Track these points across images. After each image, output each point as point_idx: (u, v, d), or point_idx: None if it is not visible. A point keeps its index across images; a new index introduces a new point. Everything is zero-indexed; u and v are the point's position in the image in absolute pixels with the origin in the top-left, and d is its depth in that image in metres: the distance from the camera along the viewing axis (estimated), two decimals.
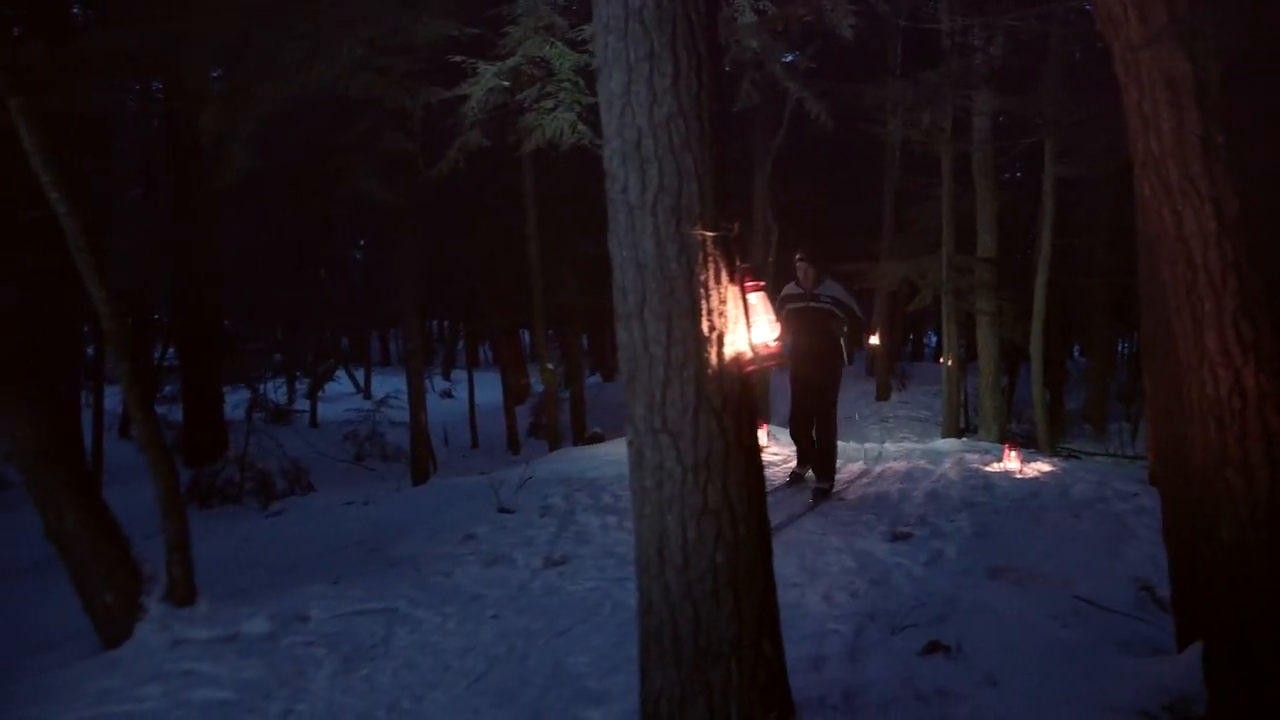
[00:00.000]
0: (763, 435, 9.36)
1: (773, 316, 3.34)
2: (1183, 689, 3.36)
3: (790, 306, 7.44)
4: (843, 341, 7.50)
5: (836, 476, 7.73)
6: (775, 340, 3.28)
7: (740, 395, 3.00)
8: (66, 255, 5.07)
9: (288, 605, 5.28)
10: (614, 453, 9.75)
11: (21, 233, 5.98)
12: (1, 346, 5.06)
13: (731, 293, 2.99)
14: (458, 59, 9.07)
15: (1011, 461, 8.46)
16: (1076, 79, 12.45)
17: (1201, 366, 2.86)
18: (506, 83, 9.09)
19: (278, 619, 5.05)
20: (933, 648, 4.09)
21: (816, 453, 7.60)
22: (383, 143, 12.12)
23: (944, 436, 13.26)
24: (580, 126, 9.35)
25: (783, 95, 12.44)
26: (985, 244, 13.21)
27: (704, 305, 2.90)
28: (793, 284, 7.61)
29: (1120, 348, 23.48)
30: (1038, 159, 12.77)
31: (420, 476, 13.99)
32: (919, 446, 10.83)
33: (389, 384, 23.22)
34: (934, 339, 32.15)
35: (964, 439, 12.12)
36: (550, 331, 18.55)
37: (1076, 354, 27.01)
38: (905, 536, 6.10)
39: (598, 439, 13.63)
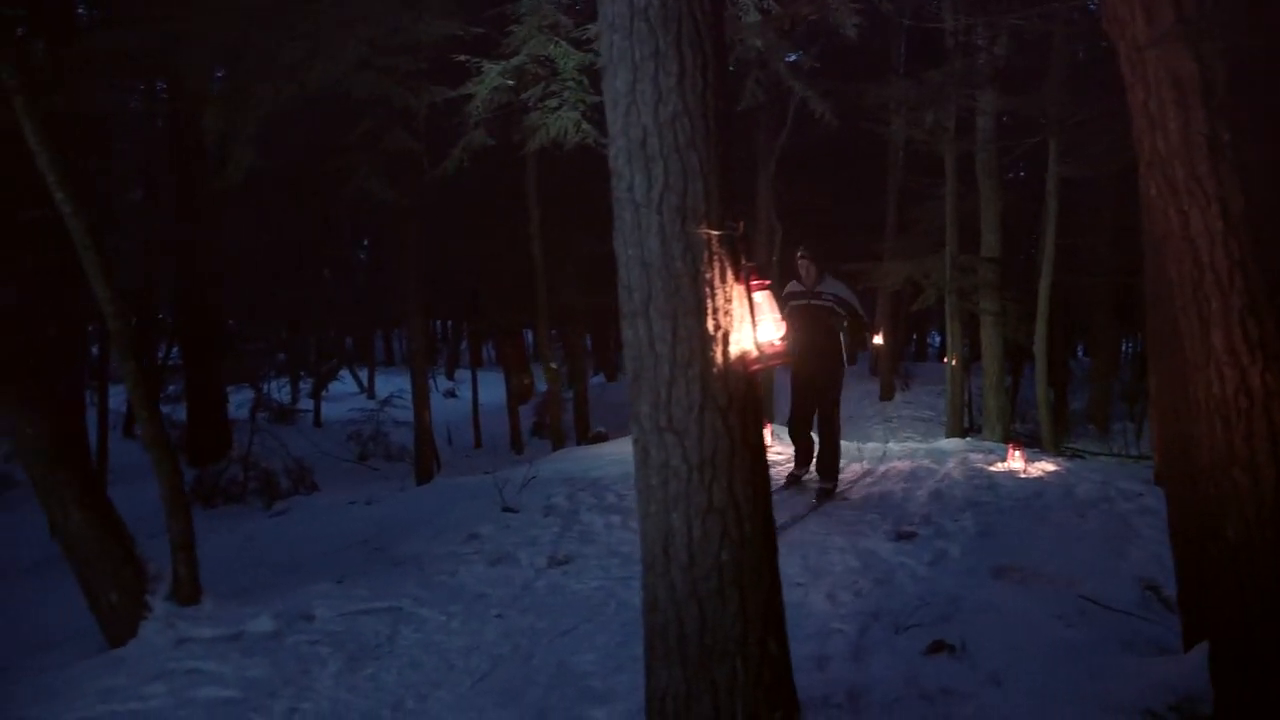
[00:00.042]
0: (767, 434, 9.35)
1: (778, 315, 3.34)
2: (1189, 688, 3.35)
3: (792, 304, 7.43)
4: (843, 339, 7.49)
5: (840, 476, 7.72)
6: (780, 339, 3.28)
7: (746, 393, 3.00)
8: (68, 255, 5.09)
9: (292, 604, 5.28)
10: (618, 452, 9.75)
11: (23, 232, 5.99)
12: (5, 346, 5.07)
13: (737, 291, 2.99)
14: (462, 58, 9.06)
15: (1016, 461, 8.45)
16: (1080, 79, 12.44)
17: (1208, 365, 2.85)
18: (511, 82, 9.07)
19: (282, 618, 5.06)
20: (937, 647, 4.09)
21: (820, 452, 7.58)
22: (387, 142, 12.11)
23: (948, 436, 13.24)
24: (585, 125, 9.33)
25: (786, 95, 12.43)
26: (989, 243, 13.20)
27: (709, 304, 2.91)
28: (794, 282, 7.61)
29: (1124, 347, 23.47)
30: (1041, 159, 12.75)
31: (424, 476, 13.99)
32: (923, 446, 10.82)
33: (392, 384, 23.22)
34: (937, 339, 32.15)
35: (968, 439, 12.10)
36: (553, 331, 18.56)
37: (1080, 354, 27.01)
38: (909, 536, 6.10)
39: (601, 438, 13.63)
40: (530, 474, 8.41)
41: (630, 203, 2.93)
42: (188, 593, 5.17)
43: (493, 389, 22.39)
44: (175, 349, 17.85)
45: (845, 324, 7.49)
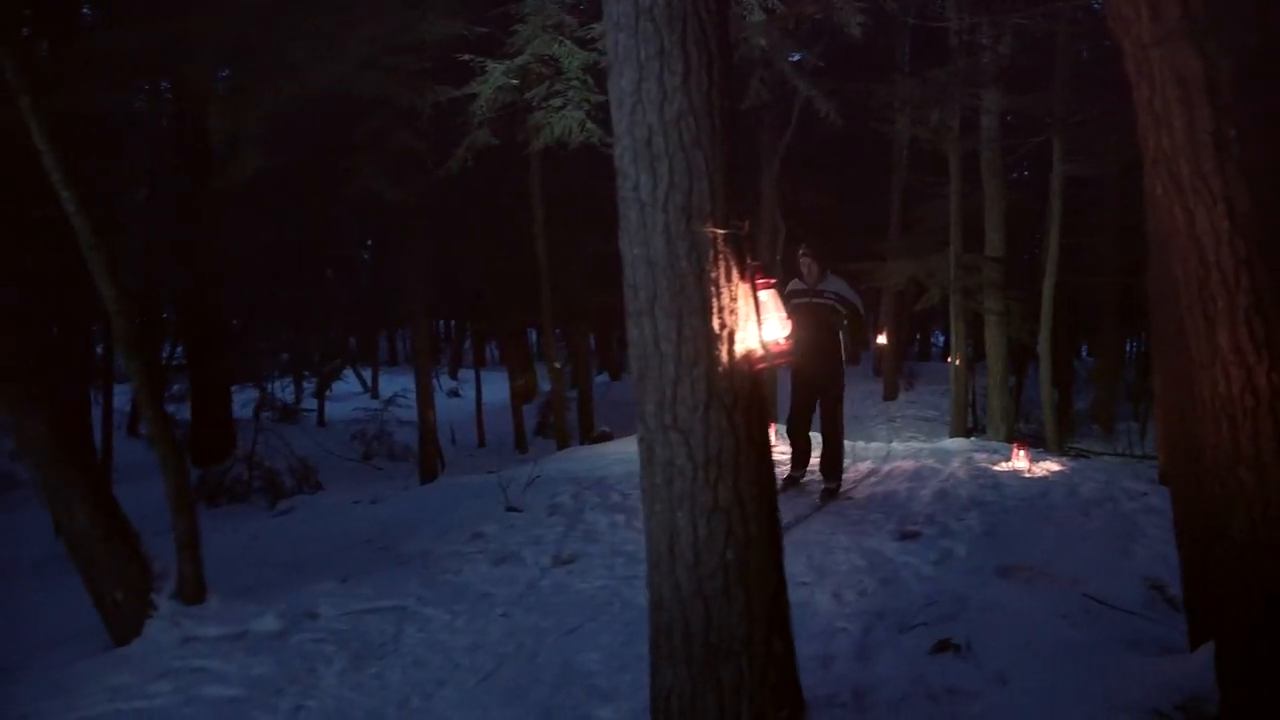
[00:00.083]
0: (771, 434, 9.34)
1: (783, 314, 3.35)
2: (1195, 688, 3.35)
3: (794, 302, 7.41)
4: (842, 337, 7.46)
5: (844, 475, 7.71)
6: (786, 337, 3.28)
7: (751, 392, 3.00)
8: (72, 254, 5.10)
9: (297, 603, 5.29)
10: (622, 451, 9.75)
11: (27, 232, 6.01)
12: (9, 345, 5.08)
13: (742, 290, 2.99)
14: (466, 57, 9.08)
15: (1020, 460, 8.44)
16: (1084, 77, 12.43)
17: (1214, 364, 2.85)
18: (515, 81, 9.09)
19: (287, 616, 5.07)
20: (942, 646, 4.09)
21: (824, 452, 7.56)
22: (391, 142, 12.14)
23: (951, 436, 13.22)
24: (589, 125, 9.35)
25: (791, 94, 12.43)
26: (993, 243, 13.19)
27: (715, 302, 2.91)
28: (796, 280, 7.60)
29: (1128, 347, 23.44)
30: (1046, 157, 12.75)
31: (428, 475, 14.00)
32: (927, 446, 10.81)
33: (396, 383, 23.23)
34: (941, 338, 32.15)
35: (972, 439, 12.09)
36: (557, 330, 18.56)
37: (1084, 353, 26.97)
38: (914, 535, 6.09)
39: (605, 438, 13.63)
40: (534, 473, 8.41)
41: (635, 202, 2.93)
42: (193, 591, 5.18)
43: (496, 388, 22.41)
44: (179, 348, 17.86)
45: (845, 323, 7.47)
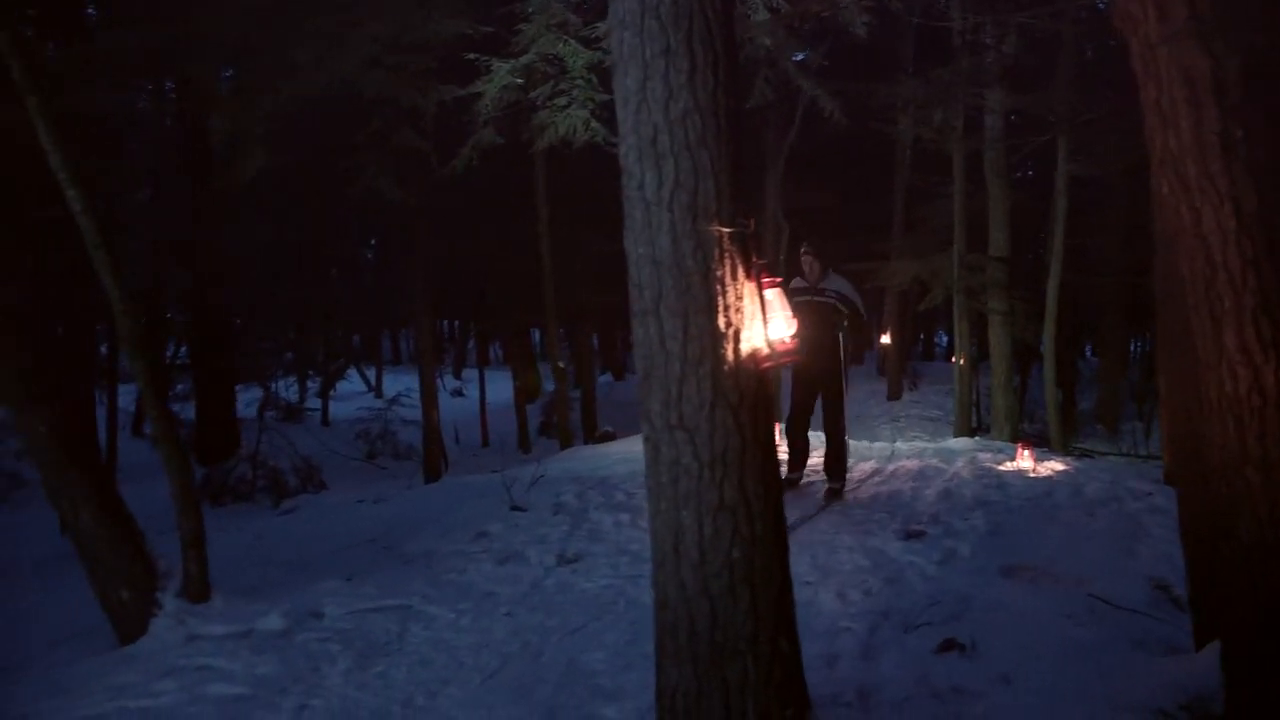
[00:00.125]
0: (775, 433, 9.32)
1: (789, 313, 3.34)
2: (1200, 688, 3.34)
3: (795, 300, 7.40)
4: (841, 337, 7.43)
5: (849, 475, 7.70)
6: (792, 336, 3.28)
7: (757, 391, 3.00)
8: (76, 254, 5.10)
9: (301, 602, 5.30)
10: (625, 451, 9.76)
11: (30, 232, 6.01)
12: (15, 345, 5.09)
13: (748, 289, 2.99)
14: (471, 57, 9.09)
15: (1025, 460, 8.43)
16: (1089, 77, 12.41)
17: (1220, 364, 2.84)
18: (520, 80, 9.10)
19: (292, 615, 5.07)
20: (947, 646, 4.09)
21: (828, 451, 7.54)
22: (396, 141, 12.15)
23: (955, 436, 13.21)
24: (594, 124, 9.35)
25: (795, 93, 12.43)
26: (997, 242, 13.17)
27: (720, 301, 2.90)
28: (798, 278, 7.58)
29: (1132, 347, 23.40)
30: (1050, 157, 12.73)
31: (432, 474, 14.02)
32: (931, 446, 10.80)
33: (400, 382, 23.26)
34: (945, 338, 32.14)
35: (976, 438, 12.09)
36: (561, 330, 18.58)
37: (1088, 353, 26.92)
38: (918, 535, 6.09)
39: (609, 437, 13.64)
40: (538, 473, 8.42)
41: (641, 200, 2.93)
42: (198, 590, 5.19)
43: (500, 388, 22.44)
44: (183, 348, 17.90)
45: (846, 323, 7.44)
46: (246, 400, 15.80)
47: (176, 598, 5.13)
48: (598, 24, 8.58)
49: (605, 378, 27.48)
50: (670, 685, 3.06)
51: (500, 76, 9.03)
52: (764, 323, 3.06)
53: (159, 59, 7.47)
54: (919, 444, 11.37)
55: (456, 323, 37.27)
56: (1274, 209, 2.78)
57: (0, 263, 5.27)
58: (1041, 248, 16.72)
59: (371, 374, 28.12)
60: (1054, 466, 8.47)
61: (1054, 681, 3.71)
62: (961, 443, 10.85)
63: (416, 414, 15.51)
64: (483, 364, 24.09)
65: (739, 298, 2.95)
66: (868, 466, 8.70)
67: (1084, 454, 11.14)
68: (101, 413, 13.17)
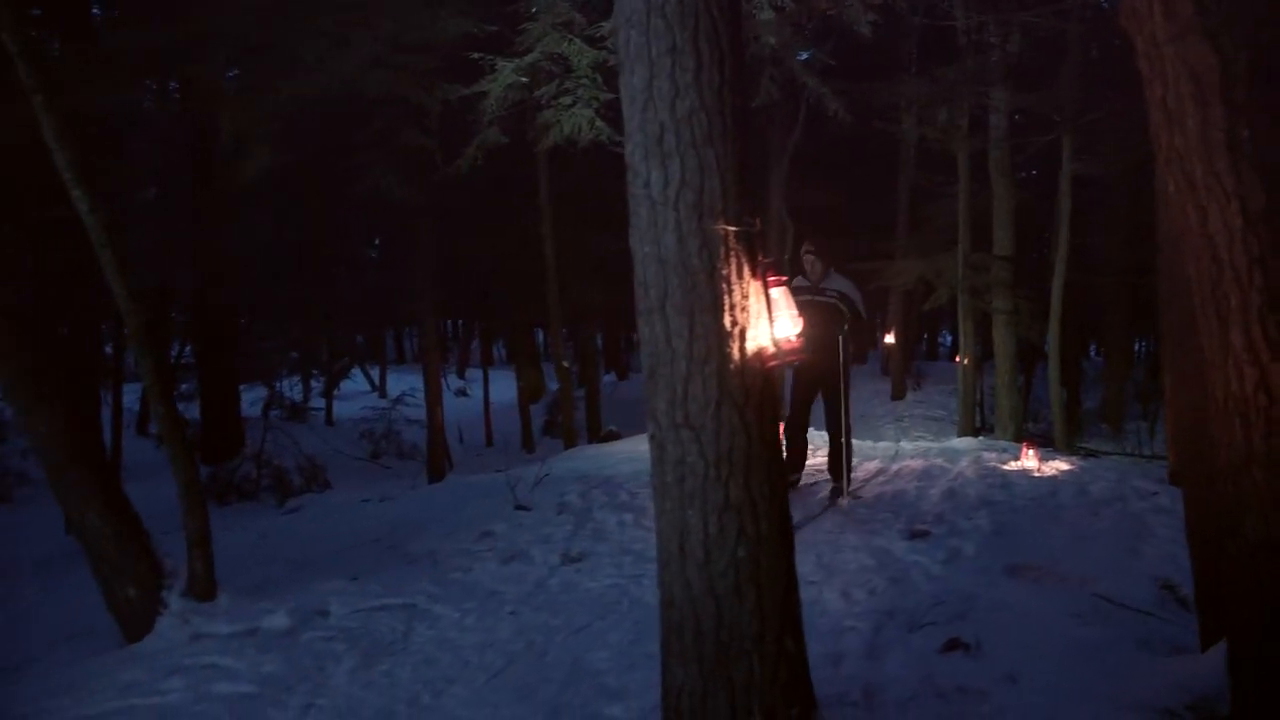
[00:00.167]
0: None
1: (795, 311, 3.34)
2: (1206, 688, 3.34)
3: (797, 299, 7.35)
4: (842, 341, 7.39)
5: (853, 475, 7.69)
6: (798, 335, 3.28)
7: (763, 390, 3.00)
8: (81, 253, 5.11)
9: (307, 601, 5.31)
10: (630, 451, 9.76)
11: (33, 231, 6.03)
12: (18, 344, 5.10)
13: (754, 287, 2.98)
14: (476, 56, 9.10)
15: (1029, 460, 8.42)
16: (1093, 76, 12.39)
17: (1226, 363, 2.84)
18: (525, 79, 9.11)
19: (297, 614, 5.09)
20: (952, 645, 4.08)
21: (831, 451, 7.53)
22: (400, 140, 12.17)
23: (959, 436, 13.20)
24: (598, 123, 9.36)
25: (799, 92, 12.42)
26: (1001, 242, 13.15)
27: (726, 300, 2.90)
28: (800, 277, 7.56)
29: (1136, 347, 23.37)
30: (1054, 156, 12.70)
31: (436, 474, 14.04)
32: (935, 445, 10.80)
33: (404, 382, 23.28)
34: (949, 338, 32.09)
35: (980, 438, 12.07)
36: (564, 330, 18.58)
37: (1093, 353, 26.90)
38: (923, 534, 6.08)
39: (613, 437, 13.63)
40: (543, 472, 8.42)
41: (647, 199, 2.93)
42: (204, 589, 5.20)
43: (504, 387, 22.42)
44: (188, 347, 17.91)
45: (846, 326, 7.40)
46: (251, 399, 15.82)
47: (182, 596, 5.15)
48: (602, 23, 8.59)
49: (609, 377, 27.48)
50: (676, 684, 3.06)
51: (505, 75, 9.04)
52: (770, 321, 3.06)
53: (164, 58, 7.50)
54: (923, 444, 11.36)
55: (460, 322, 37.28)
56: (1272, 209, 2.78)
57: (2, 262, 5.28)
58: (1046, 247, 16.71)
59: (375, 373, 28.14)
60: (1059, 466, 8.46)
61: (1059, 681, 3.70)
62: (966, 442, 10.84)
63: (420, 413, 15.54)
64: (486, 363, 24.12)
65: (745, 296, 2.94)
66: (872, 466, 8.69)
67: (1089, 454, 11.13)
68: (106, 412, 13.19)
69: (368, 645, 4.75)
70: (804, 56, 10.96)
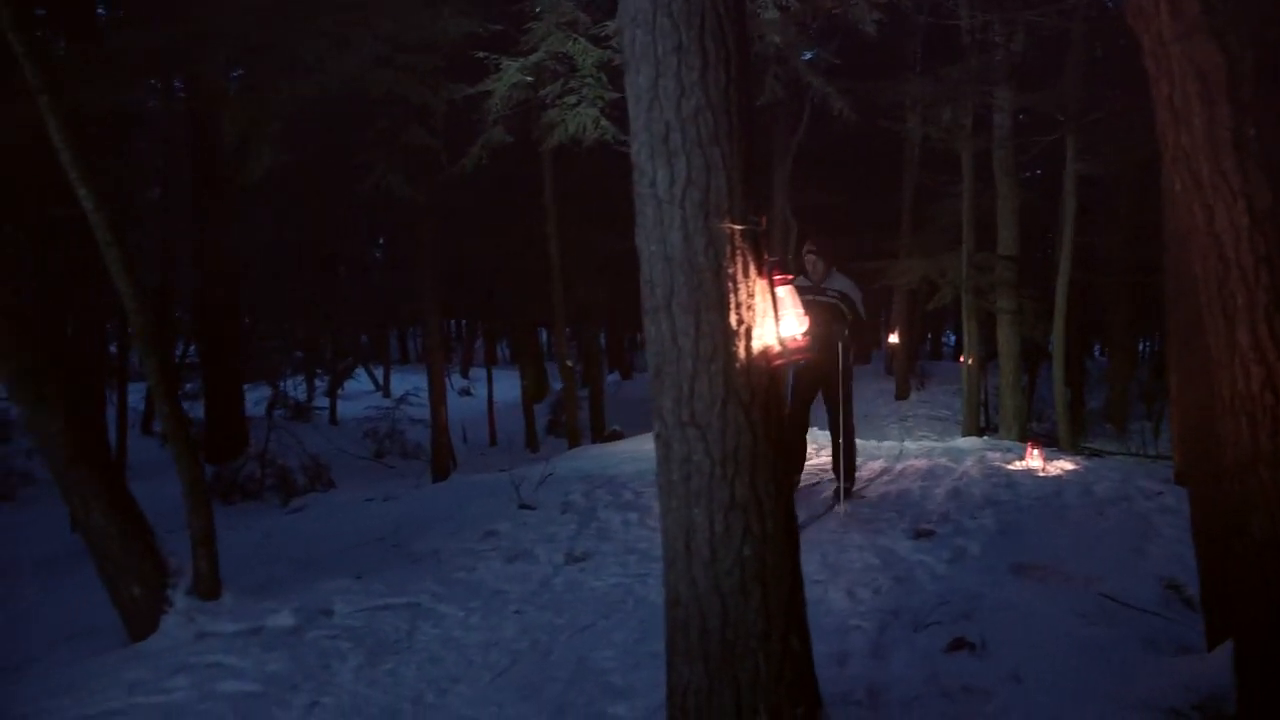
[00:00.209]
0: None
1: (800, 310, 3.34)
2: (1212, 688, 3.33)
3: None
4: (840, 343, 7.35)
5: (857, 474, 7.68)
6: (803, 333, 3.28)
7: (769, 388, 3.00)
8: (86, 252, 5.12)
9: (311, 600, 5.31)
10: (634, 450, 9.75)
11: (35, 231, 6.04)
12: (20, 344, 5.11)
13: (760, 286, 2.99)
14: (480, 55, 9.10)
15: (1034, 459, 8.42)
16: (1098, 75, 12.38)
17: (1233, 362, 2.83)
18: (530, 78, 9.11)
19: (302, 613, 5.09)
20: (957, 644, 4.08)
21: (834, 451, 7.51)
22: (405, 139, 12.17)
23: (964, 435, 13.19)
24: (603, 122, 9.36)
25: (804, 91, 12.42)
26: (1006, 241, 13.13)
27: (732, 299, 2.90)
28: (802, 276, 7.53)
29: (1141, 346, 23.34)
30: (1059, 156, 12.69)
31: (440, 473, 14.03)
32: (940, 445, 10.78)
33: (408, 382, 23.26)
34: (953, 338, 32.05)
35: (985, 438, 12.05)
36: (568, 329, 18.60)
37: (1097, 353, 26.86)
38: (928, 534, 6.08)
39: (617, 436, 13.64)
40: (547, 471, 8.42)
41: (653, 198, 2.93)
42: (208, 587, 5.20)
43: (507, 387, 22.43)
44: (192, 347, 17.93)
45: (847, 330, 7.37)
46: (255, 399, 15.83)
47: (187, 595, 5.15)
48: (607, 22, 8.58)
49: (613, 376, 27.47)
50: (681, 683, 3.06)
51: (510, 75, 9.04)
52: (775, 320, 3.06)
53: (164, 58, 7.50)
54: (927, 443, 11.35)
55: (464, 322, 37.29)
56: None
57: (2, 262, 5.29)
58: (1050, 246, 16.68)
59: (379, 373, 28.15)
60: (1063, 466, 8.45)
61: (1064, 680, 3.70)
62: (970, 442, 10.83)
63: (424, 413, 15.53)
64: (490, 363, 24.08)
65: (750, 295, 2.94)
66: (877, 466, 8.68)
67: (1093, 453, 11.12)
68: (111, 411, 13.21)
69: (372, 644, 4.75)
70: (809, 55, 10.94)
